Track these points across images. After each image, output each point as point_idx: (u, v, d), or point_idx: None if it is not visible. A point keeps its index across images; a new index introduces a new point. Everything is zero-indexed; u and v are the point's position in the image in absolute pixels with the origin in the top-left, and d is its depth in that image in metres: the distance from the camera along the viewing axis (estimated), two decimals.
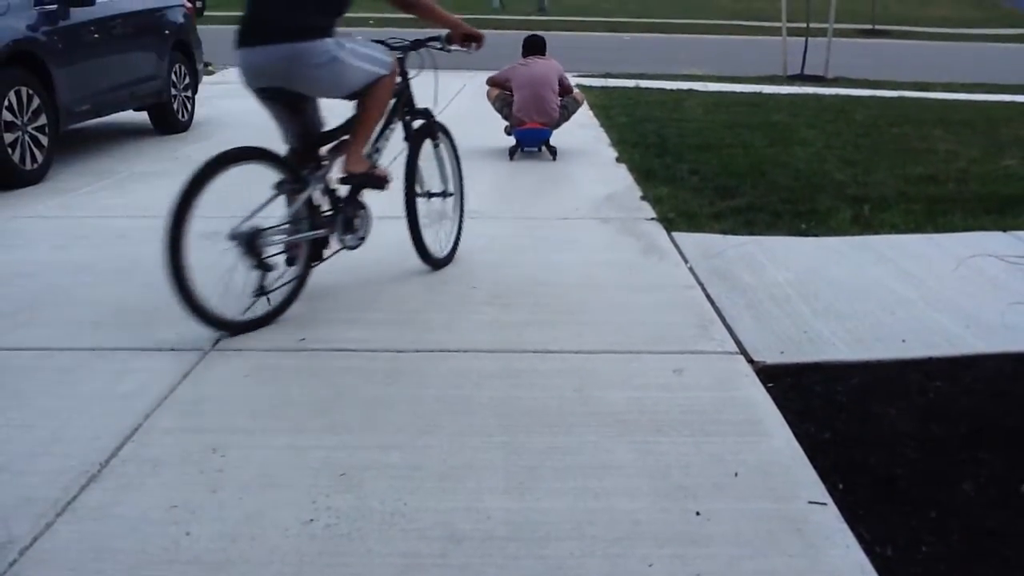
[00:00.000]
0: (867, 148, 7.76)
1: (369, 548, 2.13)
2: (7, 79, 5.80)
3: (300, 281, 3.61)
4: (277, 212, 3.53)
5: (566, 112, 7.12)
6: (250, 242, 3.33)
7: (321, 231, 3.69)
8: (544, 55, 7.27)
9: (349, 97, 3.71)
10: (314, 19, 3.46)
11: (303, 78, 3.50)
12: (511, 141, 7.10)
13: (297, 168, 3.61)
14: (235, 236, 3.32)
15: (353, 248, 3.91)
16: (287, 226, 3.53)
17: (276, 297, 3.50)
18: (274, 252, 3.44)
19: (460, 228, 4.43)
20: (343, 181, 3.76)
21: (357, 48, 3.63)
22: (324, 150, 3.82)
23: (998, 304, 3.77)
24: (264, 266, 3.39)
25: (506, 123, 7.15)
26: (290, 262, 3.62)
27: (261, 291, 3.43)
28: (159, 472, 2.45)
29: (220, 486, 2.38)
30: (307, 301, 3.78)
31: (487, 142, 7.44)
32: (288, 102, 3.65)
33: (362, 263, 4.31)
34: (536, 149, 7.11)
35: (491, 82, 7.30)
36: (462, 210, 4.49)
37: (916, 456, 2.61)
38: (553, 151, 7.06)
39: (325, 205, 3.75)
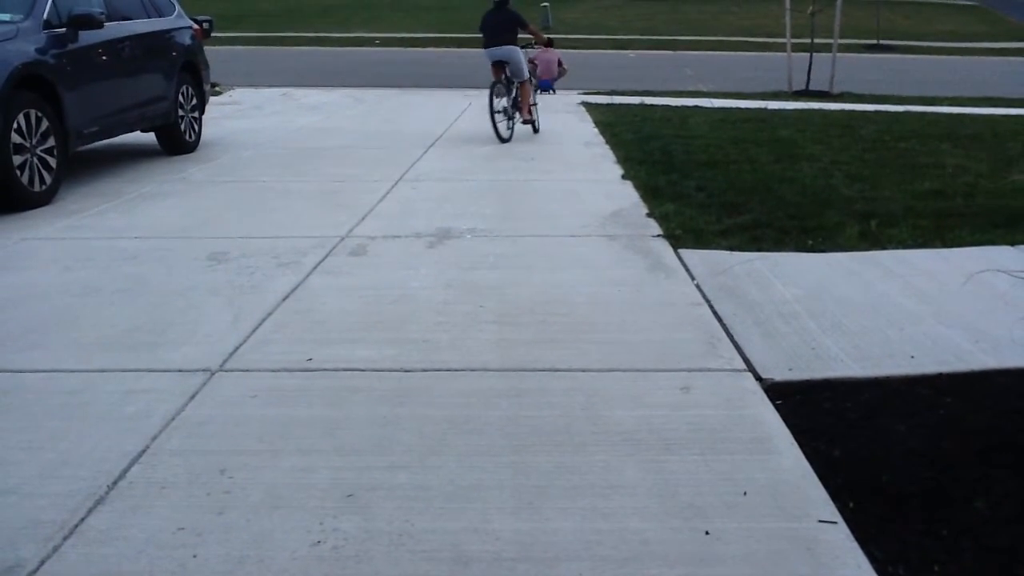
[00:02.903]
0: (874, 163, 7.76)
1: (377, 570, 2.12)
2: (16, 102, 5.84)
3: (513, 124, 9.18)
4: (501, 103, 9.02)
5: (560, 75, 14.83)
6: (506, 110, 9.07)
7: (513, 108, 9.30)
8: (553, 46, 14.70)
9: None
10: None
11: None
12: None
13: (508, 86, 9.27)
14: (502, 110, 9.00)
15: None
16: (508, 106, 9.16)
17: (511, 131, 9.13)
18: (510, 113, 9.15)
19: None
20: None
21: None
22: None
23: (1007, 319, 3.75)
24: (509, 117, 9.11)
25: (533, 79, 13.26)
26: (511, 118, 9.16)
27: (509, 128, 9.11)
28: (166, 494, 2.44)
29: (227, 508, 2.37)
30: (313, 322, 3.79)
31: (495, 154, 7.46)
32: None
33: (367, 283, 4.32)
34: (546, 91, 14.35)
35: (530, 59, 13.31)
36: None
37: (927, 474, 2.59)
38: (553, 90, 14.77)
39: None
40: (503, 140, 8.92)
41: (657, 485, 2.49)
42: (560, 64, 14.67)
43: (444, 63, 21.93)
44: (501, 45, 9.14)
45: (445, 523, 2.30)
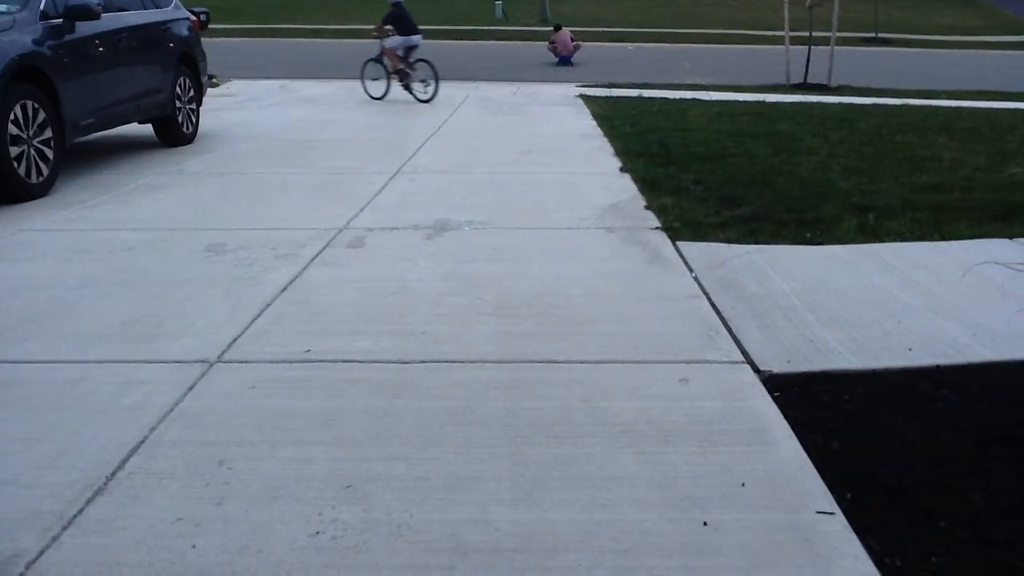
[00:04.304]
0: (871, 156, 7.76)
1: (376, 560, 2.12)
2: (13, 93, 5.83)
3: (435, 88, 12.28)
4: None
5: (576, 49, 19.75)
6: (401, 81, 12.42)
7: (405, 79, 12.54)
8: (563, 28, 20.01)
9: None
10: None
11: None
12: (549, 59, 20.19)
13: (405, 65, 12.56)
14: (396, 73, 12.41)
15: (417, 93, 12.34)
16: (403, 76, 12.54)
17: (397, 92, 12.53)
18: (401, 83, 12.48)
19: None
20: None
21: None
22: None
23: (1005, 312, 3.76)
24: (407, 88, 12.42)
25: (553, 56, 20.14)
26: (406, 87, 12.39)
27: (407, 89, 12.46)
28: (165, 485, 2.44)
29: (226, 499, 2.38)
30: (311, 313, 3.79)
31: (497, 155, 7.46)
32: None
33: (365, 275, 4.32)
34: (567, 65, 19.28)
35: (550, 39, 20.25)
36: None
37: (925, 466, 2.60)
38: (570, 64, 19.49)
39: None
40: (421, 101, 12.02)
41: (655, 476, 2.49)
42: (573, 40, 19.60)
43: (442, 55, 21.85)
44: (418, 32, 12.36)
45: (444, 514, 2.31)
